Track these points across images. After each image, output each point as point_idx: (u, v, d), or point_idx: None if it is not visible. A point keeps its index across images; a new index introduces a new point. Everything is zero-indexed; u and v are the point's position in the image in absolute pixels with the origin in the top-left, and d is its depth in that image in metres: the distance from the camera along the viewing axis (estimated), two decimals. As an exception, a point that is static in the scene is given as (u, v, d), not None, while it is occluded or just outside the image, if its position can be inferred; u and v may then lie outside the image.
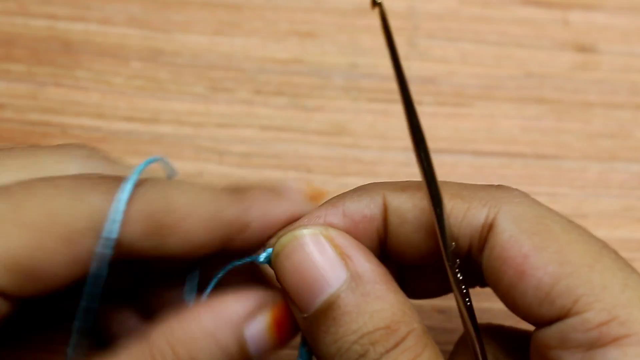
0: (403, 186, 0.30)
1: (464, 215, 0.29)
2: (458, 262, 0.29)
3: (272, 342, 0.29)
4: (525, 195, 0.30)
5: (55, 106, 0.44)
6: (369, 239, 0.30)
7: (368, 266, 0.28)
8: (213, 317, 0.29)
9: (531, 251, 0.27)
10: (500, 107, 0.45)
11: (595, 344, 0.27)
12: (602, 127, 0.45)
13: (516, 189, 0.30)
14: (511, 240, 0.28)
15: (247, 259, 0.30)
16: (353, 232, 0.29)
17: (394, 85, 0.46)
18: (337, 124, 0.44)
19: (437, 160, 0.43)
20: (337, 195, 0.31)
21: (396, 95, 0.45)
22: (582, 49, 0.47)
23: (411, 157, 0.44)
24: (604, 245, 0.29)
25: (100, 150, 0.32)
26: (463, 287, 0.29)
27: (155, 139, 0.43)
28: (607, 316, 0.26)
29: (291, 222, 0.30)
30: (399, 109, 0.45)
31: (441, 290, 0.33)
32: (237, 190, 0.30)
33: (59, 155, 0.30)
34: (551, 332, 0.27)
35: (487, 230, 0.29)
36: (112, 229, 0.27)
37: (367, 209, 0.30)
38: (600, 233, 0.43)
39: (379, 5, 0.31)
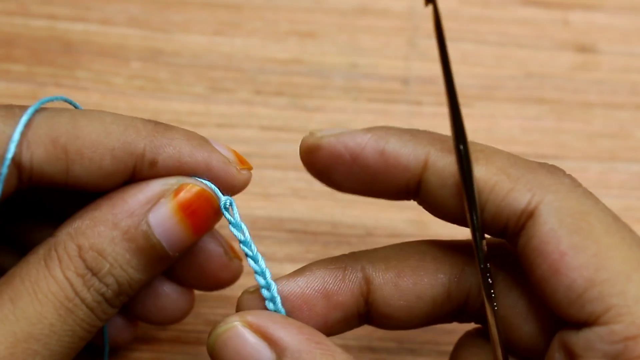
0: (450, 148, 0.29)
1: (505, 194, 0.28)
2: (489, 267, 0.29)
3: (183, 229, 0.29)
4: (574, 184, 0.29)
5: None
6: (396, 188, 0.30)
7: (294, 337, 0.28)
8: (113, 205, 0.29)
9: (569, 250, 0.27)
10: (500, 107, 0.45)
11: (619, 357, 0.26)
12: (602, 127, 0.45)
13: (568, 175, 0.29)
14: (550, 234, 0.27)
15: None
16: (384, 173, 0.29)
17: (394, 86, 0.46)
18: (337, 124, 0.44)
19: (437, 161, 0.44)
20: (383, 127, 0.30)
21: (396, 95, 0.45)
22: (582, 49, 0.47)
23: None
24: None
25: None
26: (492, 292, 0.29)
27: (155, 139, 0.43)
28: (635, 331, 0.26)
29: (202, 170, 0.30)
30: (399, 109, 0.45)
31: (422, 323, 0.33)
32: (158, 125, 0.30)
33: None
34: (577, 339, 0.27)
35: (527, 217, 0.28)
36: (10, 148, 0.27)
37: (407, 157, 0.29)
38: (601, 233, 0.43)
39: (433, 2, 0.30)
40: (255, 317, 0.29)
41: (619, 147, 0.45)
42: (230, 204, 0.31)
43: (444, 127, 0.45)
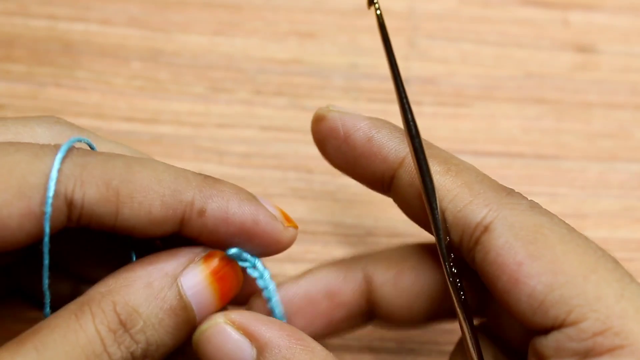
0: (429, 155, 0.31)
1: (463, 206, 0.29)
2: (452, 257, 0.30)
3: (211, 293, 0.30)
4: (531, 205, 0.30)
5: (55, 106, 0.44)
6: (373, 176, 0.32)
7: (275, 334, 0.29)
8: (146, 267, 0.29)
9: (525, 259, 0.28)
10: (500, 107, 0.45)
11: (589, 354, 0.27)
12: (602, 127, 0.45)
13: (529, 201, 0.30)
14: (506, 246, 0.28)
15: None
16: (367, 158, 0.32)
17: (393, 86, 0.46)
18: (337, 124, 0.44)
19: (437, 161, 0.44)
20: (383, 121, 0.32)
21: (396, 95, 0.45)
22: (582, 49, 0.47)
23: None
24: (602, 254, 0.29)
25: (67, 120, 0.32)
26: (457, 281, 0.30)
27: (155, 139, 0.43)
28: (601, 326, 0.27)
29: (250, 224, 0.30)
30: (398, 109, 0.45)
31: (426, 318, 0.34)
32: (208, 177, 0.30)
33: (26, 121, 0.31)
34: (547, 341, 0.28)
35: (481, 231, 0.29)
36: (50, 186, 0.27)
37: (387, 150, 0.31)
38: (600, 233, 0.43)
39: (375, 4, 0.32)
40: (239, 315, 0.30)
41: (619, 147, 0.45)
42: (254, 266, 0.31)
43: (444, 127, 0.45)
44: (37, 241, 0.28)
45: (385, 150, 0.31)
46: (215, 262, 0.30)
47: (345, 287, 0.32)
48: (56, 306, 0.29)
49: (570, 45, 0.47)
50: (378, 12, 0.32)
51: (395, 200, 0.32)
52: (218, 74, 0.45)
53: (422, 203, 0.30)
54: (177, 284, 0.29)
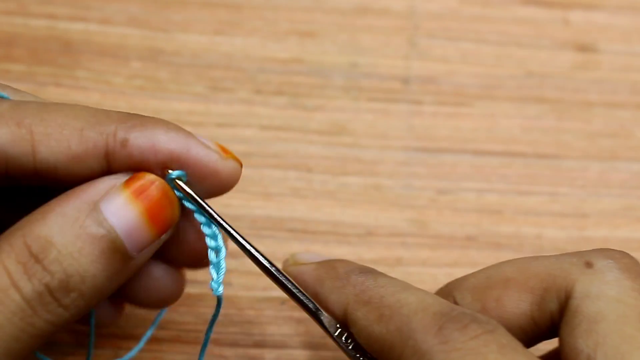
0: (367, 300, 0.30)
1: (397, 358, 0.28)
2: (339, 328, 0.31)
3: (139, 219, 0.28)
4: (464, 339, 0.26)
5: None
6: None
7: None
8: (62, 199, 0.27)
9: None
10: (500, 106, 0.45)
11: None
12: (603, 127, 0.45)
13: (464, 330, 0.27)
14: None
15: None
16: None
17: (394, 85, 0.46)
18: (337, 124, 0.44)
19: (437, 160, 0.44)
20: (339, 264, 0.32)
21: (396, 94, 0.45)
22: (583, 48, 0.47)
23: (411, 156, 0.44)
24: None
25: None
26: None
27: (155, 139, 0.43)
28: None
29: (180, 153, 0.29)
30: (399, 108, 0.45)
31: None
32: (133, 114, 0.29)
33: None
34: None
35: None
36: None
37: (332, 304, 0.31)
38: (601, 233, 0.43)
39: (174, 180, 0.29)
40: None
41: (620, 147, 0.45)
42: (180, 178, 0.29)
43: (444, 126, 0.45)
44: None
45: (330, 305, 0.31)
46: (138, 183, 0.28)
47: None
48: None
49: (571, 44, 0.47)
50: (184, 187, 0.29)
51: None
52: (218, 73, 0.45)
53: (376, 353, 0.29)
54: (97, 210, 0.27)
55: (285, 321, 0.40)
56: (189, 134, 0.29)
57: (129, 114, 0.29)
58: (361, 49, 0.46)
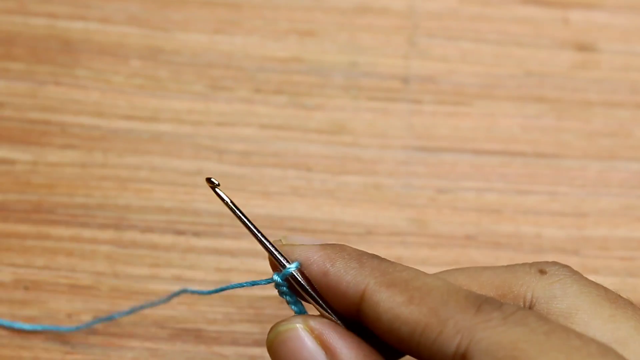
0: (390, 282, 0.29)
1: (434, 339, 0.28)
2: None
3: None
4: (503, 315, 0.27)
5: (55, 105, 0.44)
6: (339, 307, 0.31)
7: (352, 353, 0.29)
8: None
9: None
10: (500, 105, 0.45)
11: None
12: (602, 126, 0.45)
13: (501, 309, 0.28)
14: None
15: (263, 282, 0.32)
16: (327, 292, 0.31)
17: (393, 84, 0.46)
18: (336, 123, 0.44)
19: (436, 159, 0.44)
20: (339, 248, 0.31)
21: (396, 93, 0.45)
22: (582, 47, 0.47)
23: (411, 155, 0.44)
24: (588, 353, 0.26)
25: None
26: None
27: (155, 138, 0.43)
28: None
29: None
30: (398, 107, 0.45)
31: None
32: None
33: None
34: None
35: (460, 358, 0.27)
36: None
37: (346, 284, 0.30)
38: (601, 232, 0.43)
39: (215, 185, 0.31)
40: (317, 323, 0.29)
41: (619, 146, 0.45)
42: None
43: (444, 125, 0.45)
44: None
45: (343, 286, 0.30)
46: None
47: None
48: None
49: (570, 43, 0.47)
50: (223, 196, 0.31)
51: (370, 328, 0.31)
52: (218, 72, 0.45)
53: (392, 337, 0.29)
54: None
55: (285, 320, 0.40)
56: None
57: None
58: (361, 48, 0.46)
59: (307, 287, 0.30)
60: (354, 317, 0.30)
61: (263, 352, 0.39)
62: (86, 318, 0.40)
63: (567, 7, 0.48)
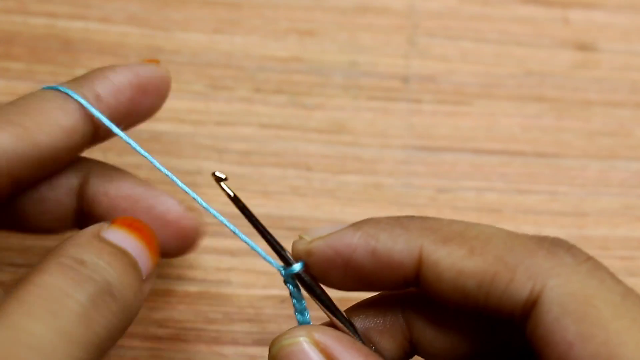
0: (444, 238, 0.28)
1: (505, 286, 0.27)
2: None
3: (143, 248, 0.29)
4: (576, 261, 0.27)
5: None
6: (395, 283, 0.29)
7: None
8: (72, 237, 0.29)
9: (576, 339, 0.25)
10: (500, 105, 0.45)
11: None
12: (602, 126, 0.45)
13: (569, 251, 0.27)
14: (555, 323, 0.26)
15: (275, 265, 0.31)
16: (379, 272, 0.28)
17: (393, 84, 0.46)
18: (336, 122, 0.44)
19: (436, 159, 0.44)
20: (373, 221, 0.29)
21: (396, 93, 0.45)
22: (582, 47, 0.47)
23: (411, 155, 0.44)
24: None
25: None
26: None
27: (155, 137, 0.43)
28: None
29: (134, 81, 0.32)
30: (398, 107, 0.45)
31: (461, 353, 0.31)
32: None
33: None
34: None
35: (531, 306, 0.26)
36: None
37: (399, 254, 0.28)
38: (601, 232, 0.43)
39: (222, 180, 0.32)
40: (322, 335, 0.28)
41: (619, 145, 0.45)
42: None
43: (444, 125, 0.45)
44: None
45: (397, 257, 0.28)
46: (127, 220, 0.30)
47: (386, 333, 0.30)
48: None
49: (570, 43, 0.47)
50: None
51: (427, 293, 0.29)
52: (218, 71, 0.45)
53: (456, 295, 0.28)
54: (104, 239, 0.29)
55: (285, 319, 0.40)
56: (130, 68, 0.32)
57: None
58: (361, 47, 0.46)
59: (314, 287, 0.30)
60: (407, 286, 0.29)
61: (263, 351, 0.39)
62: (86, 318, 0.40)
63: (567, 6, 0.48)
